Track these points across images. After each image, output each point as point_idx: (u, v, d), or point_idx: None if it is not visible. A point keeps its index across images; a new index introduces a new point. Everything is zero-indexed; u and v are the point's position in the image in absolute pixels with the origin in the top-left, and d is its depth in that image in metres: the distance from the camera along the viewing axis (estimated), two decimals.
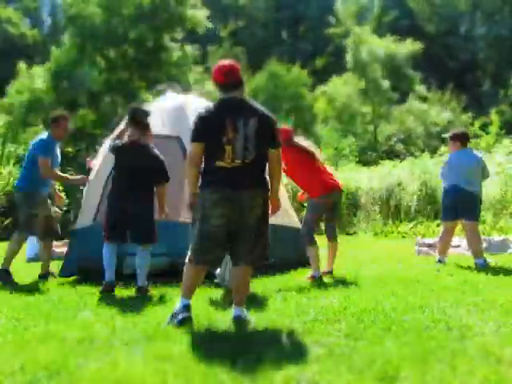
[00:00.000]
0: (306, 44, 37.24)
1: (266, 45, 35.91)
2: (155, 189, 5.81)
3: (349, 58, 28.13)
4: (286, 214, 7.31)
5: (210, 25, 22.10)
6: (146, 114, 5.84)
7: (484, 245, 8.03)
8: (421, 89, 28.55)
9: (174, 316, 4.06)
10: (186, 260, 4.18)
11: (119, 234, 5.76)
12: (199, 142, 4.10)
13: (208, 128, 4.08)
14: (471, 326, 3.74)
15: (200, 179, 4.15)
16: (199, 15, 21.67)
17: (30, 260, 9.03)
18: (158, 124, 6.56)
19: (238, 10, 37.22)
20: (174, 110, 7.17)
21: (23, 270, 7.62)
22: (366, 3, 38.49)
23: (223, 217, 4.02)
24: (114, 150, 5.84)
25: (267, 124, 4.16)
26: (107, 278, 5.67)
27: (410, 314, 4.16)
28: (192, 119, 4.33)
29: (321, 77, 29.32)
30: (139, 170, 5.69)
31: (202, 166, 4.16)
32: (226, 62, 4.33)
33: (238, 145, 4.03)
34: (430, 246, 8.97)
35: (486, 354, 3.11)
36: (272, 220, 4.41)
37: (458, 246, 8.82)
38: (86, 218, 6.99)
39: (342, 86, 26.90)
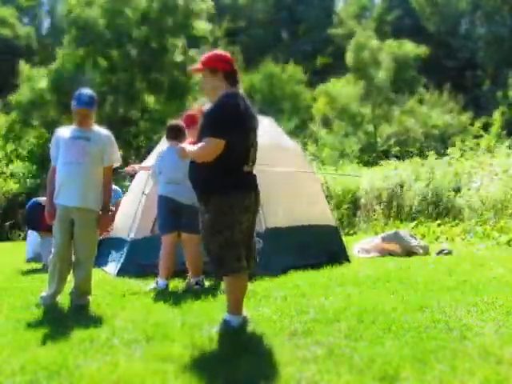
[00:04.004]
0: (306, 44, 37.24)
1: (265, 45, 35.91)
2: None
3: (349, 59, 28.02)
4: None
5: (211, 39, 22.54)
6: None
7: None
8: (422, 91, 28.50)
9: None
10: (230, 273, 3.78)
11: None
12: (224, 140, 3.58)
13: (241, 126, 3.66)
14: (471, 326, 3.74)
15: (221, 181, 3.69)
16: (204, 28, 21.92)
17: (30, 260, 9.03)
18: None
19: (237, 11, 37.21)
20: None
21: (23, 270, 7.63)
22: (367, 3, 38.54)
23: (248, 221, 3.81)
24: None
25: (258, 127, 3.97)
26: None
27: (410, 314, 4.15)
28: None
29: (321, 76, 29.28)
30: None
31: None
32: (216, 51, 3.94)
33: (255, 148, 3.83)
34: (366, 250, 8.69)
35: (486, 354, 3.11)
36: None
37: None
38: (141, 227, 7.01)
39: (343, 88, 26.82)
